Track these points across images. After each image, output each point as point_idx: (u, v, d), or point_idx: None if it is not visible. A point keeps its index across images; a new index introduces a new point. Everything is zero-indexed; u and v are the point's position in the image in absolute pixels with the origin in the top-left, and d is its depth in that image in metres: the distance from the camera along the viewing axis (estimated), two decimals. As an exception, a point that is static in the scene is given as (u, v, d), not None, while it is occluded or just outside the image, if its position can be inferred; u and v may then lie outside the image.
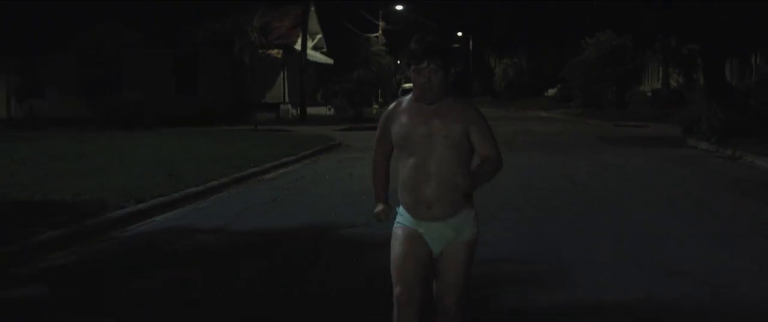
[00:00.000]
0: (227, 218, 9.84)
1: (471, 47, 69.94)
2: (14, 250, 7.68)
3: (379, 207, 4.32)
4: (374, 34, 56.03)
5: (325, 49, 41.82)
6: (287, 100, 35.23)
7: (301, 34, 33.88)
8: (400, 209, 4.18)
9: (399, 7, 55.65)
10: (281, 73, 35.00)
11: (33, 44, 34.14)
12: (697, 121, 21.54)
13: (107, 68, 34.56)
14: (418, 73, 3.97)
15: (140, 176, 12.57)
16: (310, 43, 35.54)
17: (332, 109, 37.17)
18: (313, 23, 37.21)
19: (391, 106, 4.28)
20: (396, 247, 4.12)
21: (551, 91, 54.82)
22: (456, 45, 77.30)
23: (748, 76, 29.38)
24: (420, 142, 4.01)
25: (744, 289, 6.21)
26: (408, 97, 4.17)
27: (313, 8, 35.97)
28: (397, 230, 4.16)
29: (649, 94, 38.76)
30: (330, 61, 41.71)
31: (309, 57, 34.95)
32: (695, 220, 9.47)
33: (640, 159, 17.17)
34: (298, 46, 34.16)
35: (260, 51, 33.05)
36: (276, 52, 33.78)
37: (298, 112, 33.84)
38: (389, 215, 4.26)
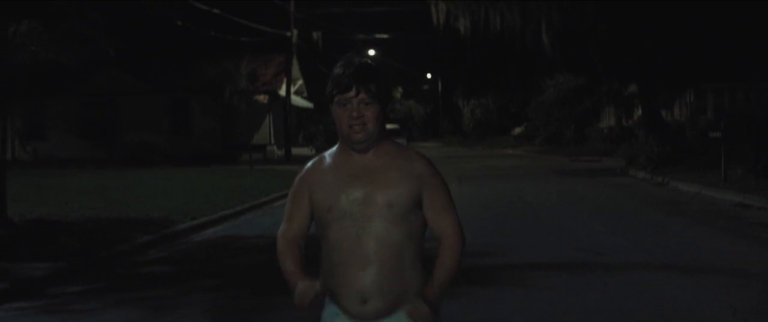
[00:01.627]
0: (263, 229, 13.38)
1: (440, 89, 73.96)
2: (127, 248, 11.19)
3: (300, 285, 3.18)
4: (349, 78, 59.80)
5: (305, 94, 45.51)
6: (273, 141, 38.79)
7: (285, 81, 37.57)
8: (327, 305, 3.22)
9: (371, 52, 59.54)
10: (267, 117, 38.64)
11: (36, 89, 37.51)
12: (637, 154, 25.41)
13: (106, 111, 37.95)
14: (344, 107, 3.10)
15: (183, 202, 16.09)
16: (292, 89, 39.14)
17: (313, 149, 40.78)
18: (295, 70, 40.82)
19: (309, 164, 3.31)
20: None
21: (517, 130, 58.34)
22: (425, 86, 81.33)
23: (694, 112, 33.38)
24: (352, 210, 3.09)
25: (621, 257, 9.86)
26: (331, 150, 3.28)
27: (294, 56, 39.57)
28: None
29: (606, 131, 42.72)
30: (310, 104, 45.40)
31: (292, 102, 38.57)
32: (608, 222, 13.21)
33: (583, 186, 20.89)
34: (282, 92, 37.83)
35: (253, 97, 36.71)
36: (263, 98, 37.48)
37: (284, 152, 37.33)
38: (317, 286, 3.16)
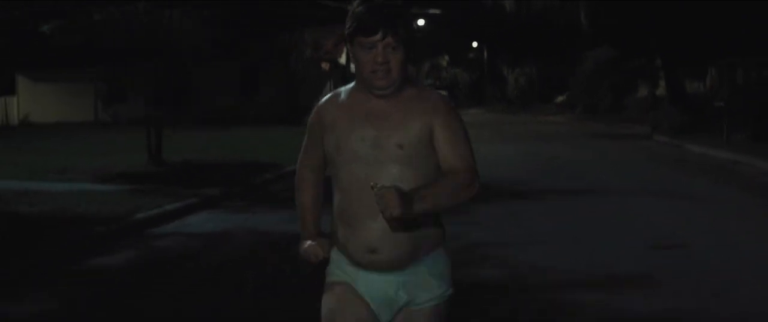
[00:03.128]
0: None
1: (486, 57, 77.52)
2: (259, 181, 15.48)
3: (306, 243, 3.22)
4: (400, 46, 63.80)
5: (361, 61, 49.77)
6: (333, 104, 43.19)
7: (345, 51, 41.71)
8: (334, 251, 3.17)
9: (421, 22, 63.38)
10: (328, 83, 42.92)
11: (118, 55, 41.89)
12: (661, 121, 29.29)
13: (181, 77, 42.39)
14: (368, 51, 2.93)
15: (280, 150, 20.40)
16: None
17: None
18: (353, 39, 45.04)
19: (324, 99, 3.20)
20: (328, 303, 3.15)
21: (560, 98, 61.62)
22: (471, 55, 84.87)
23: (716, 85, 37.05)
24: (362, 152, 2.98)
25: (617, 189, 13.96)
26: (349, 86, 3.15)
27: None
28: (331, 283, 3.17)
29: (641, 100, 46.33)
30: (364, 71, 49.72)
31: (351, 70, 42.75)
32: (618, 170, 17.34)
33: (609, 147, 24.82)
34: (342, 61, 42.06)
35: (317, 64, 41.08)
36: (325, 65, 41.77)
37: (344, 114, 41.71)
38: (326, 250, 3.18)
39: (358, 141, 2.99)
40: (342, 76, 42.05)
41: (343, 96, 3.13)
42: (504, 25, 43.29)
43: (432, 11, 49.89)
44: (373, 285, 3.06)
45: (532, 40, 47.24)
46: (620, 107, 46.70)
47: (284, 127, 35.10)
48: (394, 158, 2.95)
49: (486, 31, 62.13)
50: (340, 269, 3.12)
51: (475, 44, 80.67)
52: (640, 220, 10.77)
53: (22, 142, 25.11)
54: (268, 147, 22.32)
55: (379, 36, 2.89)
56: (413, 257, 3.02)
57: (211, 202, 12.75)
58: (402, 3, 3.01)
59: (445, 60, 79.48)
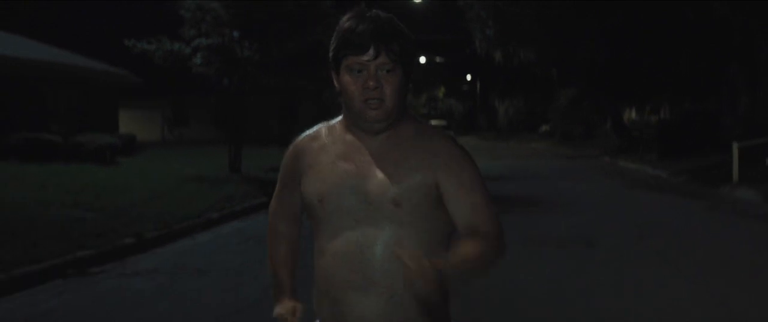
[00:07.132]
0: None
1: (479, 90, 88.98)
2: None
3: (279, 307, 2.75)
4: (403, 80, 75.56)
5: (377, 95, 62.14)
6: (355, 130, 55.30)
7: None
8: None
9: (422, 59, 74.88)
10: (354, 112, 55.05)
11: (182, 86, 53.62)
12: (607, 146, 41.67)
13: (234, 105, 54.40)
14: (357, 75, 2.53)
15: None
16: (368, 90, 55.48)
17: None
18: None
19: (303, 136, 2.81)
20: None
21: (544, 128, 72.32)
22: (465, 87, 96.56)
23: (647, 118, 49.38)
24: (352, 208, 2.55)
25: (556, 178, 26.32)
26: (333, 122, 2.78)
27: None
28: None
29: (604, 130, 58.58)
30: (379, 103, 61.93)
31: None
32: (562, 173, 29.76)
33: (566, 164, 36.99)
34: (364, 93, 54.19)
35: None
36: (351, 98, 54.04)
37: (363, 137, 53.73)
38: (297, 318, 2.70)
39: (347, 193, 2.55)
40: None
41: (327, 133, 2.73)
42: (494, 68, 55.38)
43: (438, 59, 62.06)
44: None
45: (518, 79, 59.24)
46: (591, 135, 58.79)
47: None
48: (389, 217, 2.51)
49: (480, 70, 73.92)
50: None
51: (468, 77, 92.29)
52: (552, 185, 23.23)
53: (168, 152, 37.03)
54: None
55: (370, 54, 2.48)
56: None
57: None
58: (397, 21, 2.57)
59: (441, 91, 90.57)
